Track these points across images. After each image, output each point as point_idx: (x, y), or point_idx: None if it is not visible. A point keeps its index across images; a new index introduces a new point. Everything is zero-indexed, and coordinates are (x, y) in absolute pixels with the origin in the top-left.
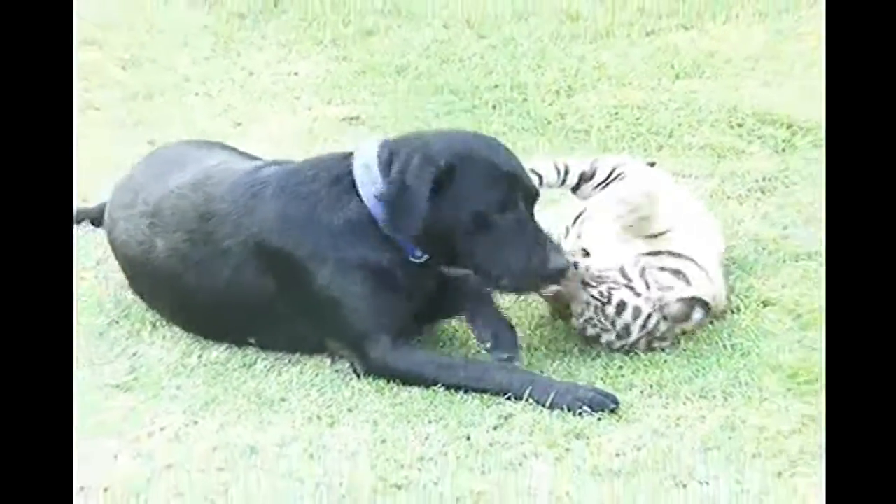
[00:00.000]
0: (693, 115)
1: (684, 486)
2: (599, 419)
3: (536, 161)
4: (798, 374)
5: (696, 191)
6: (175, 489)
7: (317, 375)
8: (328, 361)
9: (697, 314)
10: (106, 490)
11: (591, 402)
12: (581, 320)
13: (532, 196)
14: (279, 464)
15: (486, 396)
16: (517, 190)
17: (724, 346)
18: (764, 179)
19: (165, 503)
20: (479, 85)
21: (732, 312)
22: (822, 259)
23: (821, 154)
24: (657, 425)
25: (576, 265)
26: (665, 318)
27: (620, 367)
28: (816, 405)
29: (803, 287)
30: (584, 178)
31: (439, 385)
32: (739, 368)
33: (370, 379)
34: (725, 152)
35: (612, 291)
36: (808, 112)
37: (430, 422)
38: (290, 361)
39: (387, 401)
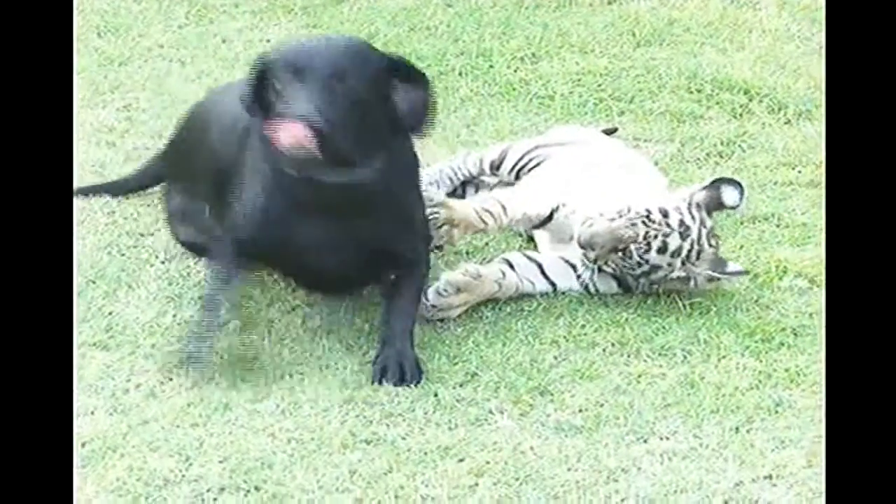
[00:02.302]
0: (653, 81)
1: (645, 440)
2: (563, 377)
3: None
4: (755, 332)
5: (655, 155)
6: (150, 444)
7: (287, 334)
8: (299, 321)
9: (729, 193)
10: (84, 445)
11: None
12: (641, 240)
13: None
14: (252, 419)
15: (452, 355)
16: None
17: (684, 306)
18: (722, 144)
19: (141, 457)
20: (446, 52)
21: None
22: (777, 221)
23: (776, 119)
24: (619, 382)
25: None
26: (700, 206)
27: (583, 326)
28: (773, 362)
29: (759, 248)
30: (493, 167)
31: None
32: (698, 327)
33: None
34: (685, 117)
35: (645, 207)
36: (764, 78)
37: None
38: (261, 320)
39: (356, 358)
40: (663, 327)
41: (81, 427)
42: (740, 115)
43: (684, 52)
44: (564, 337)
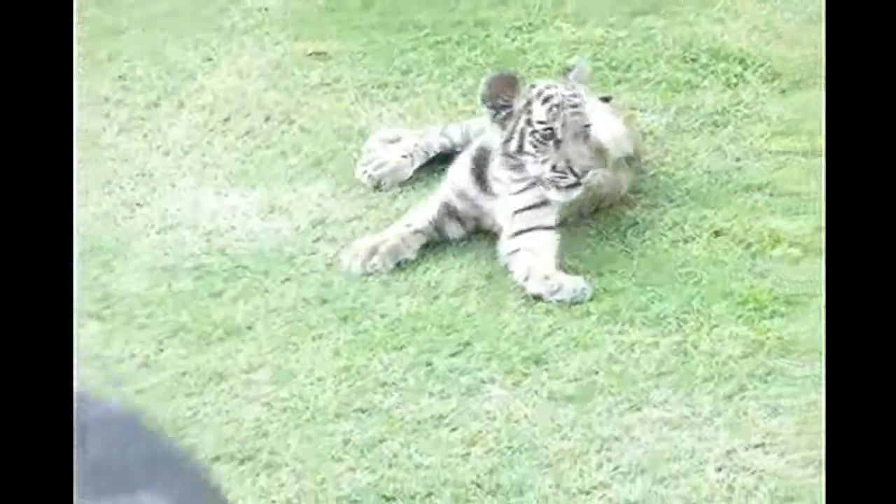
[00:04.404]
0: (649, 50)
1: (638, 409)
2: (556, 346)
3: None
4: (748, 301)
5: (651, 124)
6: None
7: (282, 304)
8: (293, 291)
9: None
10: None
11: None
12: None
13: None
14: (246, 389)
15: (445, 324)
16: None
17: (678, 275)
18: (717, 113)
19: None
20: (443, 21)
21: (685, 242)
22: (771, 190)
23: (771, 88)
24: (612, 351)
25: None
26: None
27: None
28: (765, 331)
29: (753, 217)
30: None
31: None
32: (692, 296)
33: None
34: (680, 87)
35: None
36: (759, 47)
37: (391, 349)
38: (256, 290)
39: (350, 329)
40: (657, 296)
41: None
42: (735, 84)
43: (680, 21)
44: (558, 306)
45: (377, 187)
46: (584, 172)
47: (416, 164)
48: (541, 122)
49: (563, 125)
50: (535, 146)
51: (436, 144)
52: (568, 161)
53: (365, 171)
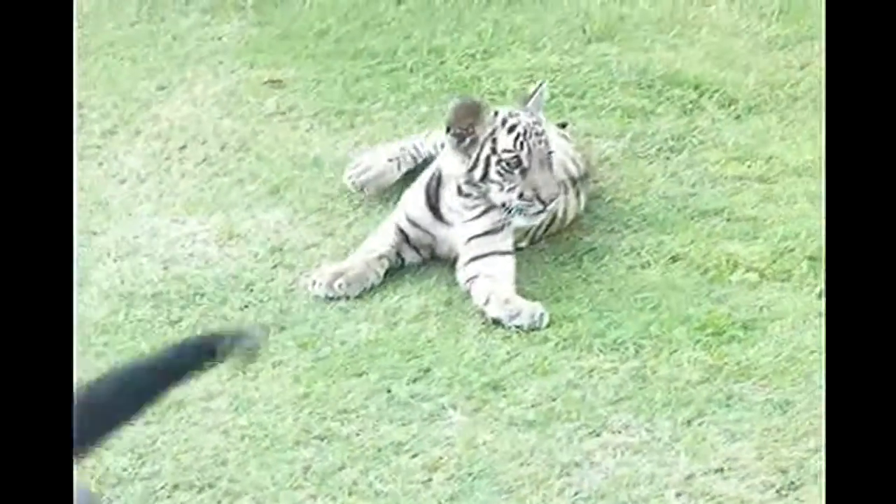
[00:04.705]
0: (604, 77)
1: (597, 434)
2: (515, 372)
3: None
4: (706, 326)
5: (606, 150)
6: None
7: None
8: (252, 317)
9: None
10: None
11: None
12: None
13: None
14: (205, 417)
15: (405, 350)
16: None
17: (635, 300)
18: (672, 139)
19: (95, 455)
20: (398, 48)
21: (643, 267)
22: (727, 215)
23: (726, 114)
24: (571, 377)
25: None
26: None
27: None
28: (724, 356)
29: (710, 243)
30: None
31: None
32: (650, 322)
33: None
34: (635, 113)
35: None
36: (714, 73)
37: (351, 376)
38: (214, 317)
39: (309, 356)
40: (615, 322)
41: None
42: (690, 110)
43: (635, 47)
44: (517, 332)
45: (361, 192)
46: (551, 200)
47: (404, 169)
48: (507, 151)
49: (529, 153)
50: (501, 174)
51: (423, 149)
52: (535, 189)
53: (350, 178)
